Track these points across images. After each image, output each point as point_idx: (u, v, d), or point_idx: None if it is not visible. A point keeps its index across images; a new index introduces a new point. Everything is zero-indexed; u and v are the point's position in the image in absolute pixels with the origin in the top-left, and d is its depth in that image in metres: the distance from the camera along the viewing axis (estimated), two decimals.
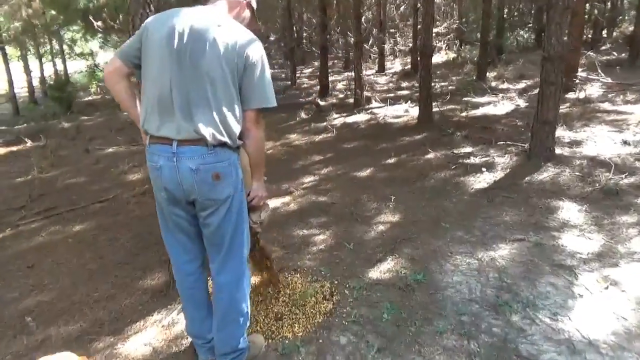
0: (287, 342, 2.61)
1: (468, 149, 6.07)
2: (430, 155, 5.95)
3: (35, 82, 18.08)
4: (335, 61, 20.00)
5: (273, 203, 4.75)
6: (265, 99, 2.03)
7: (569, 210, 4.12)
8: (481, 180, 4.98)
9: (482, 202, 4.45)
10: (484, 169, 5.20)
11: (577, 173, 4.90)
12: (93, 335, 2.81)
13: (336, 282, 3.20)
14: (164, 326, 2.85)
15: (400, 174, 5.43)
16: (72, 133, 9.65)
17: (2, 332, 2.92)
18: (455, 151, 6.02)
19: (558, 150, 5.45)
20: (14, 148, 8.57)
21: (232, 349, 2.27)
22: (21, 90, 18.11)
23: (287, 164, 6.17)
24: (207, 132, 1.91)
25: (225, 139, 1.95)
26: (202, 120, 1.92)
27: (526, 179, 4.89)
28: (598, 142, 5.87)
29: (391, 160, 5.95)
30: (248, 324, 2.33)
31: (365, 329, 2.70)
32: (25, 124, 11.57)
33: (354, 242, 3.78)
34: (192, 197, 2.00)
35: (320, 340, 2.62)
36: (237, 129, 2.00)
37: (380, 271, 3.32)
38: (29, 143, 8.61)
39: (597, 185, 4.54)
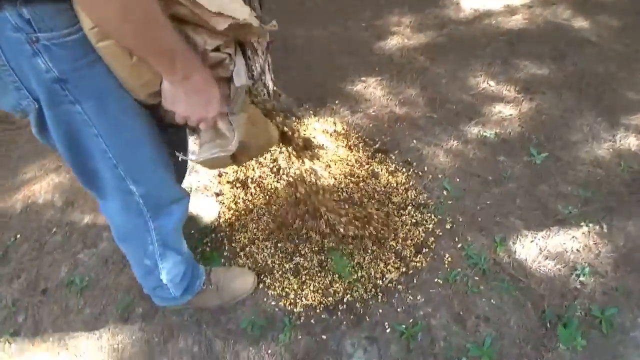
0: (291, 316, 1.57)
1: None
2: None
3: None
4: None
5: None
6: None
7: None
8: None
9: None
10: None
11: None
12: None
13: (451, 224, 1.76)
14: None
15: None
16: None
17: None
18: None
19: None
20: None
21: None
22: None
23: None
24: None
25: None
26: None
27: None
28: None
29: None
30: (160, 282, 1.34)
31: None
32: None
33: (553, 152, 2.00)
34: None
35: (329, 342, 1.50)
36: None
37: (542, 247, 1.70)
38: None
39: None
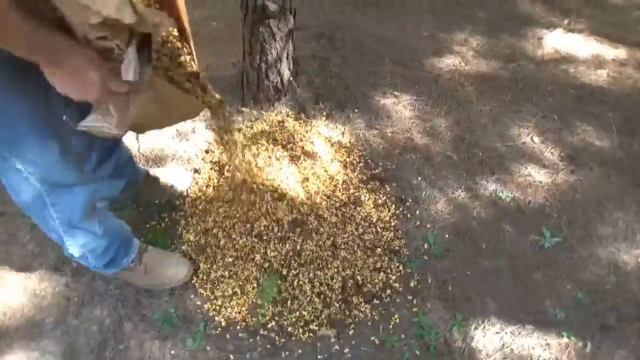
0: (209, 323, 1.49)
1: None
2: None
3: None
4: None
5: None
6: None
7: None
8: None
9: None
10: None
11: None
12: None
13: (417, 282, 1.58)
14: None
15: None
16: None
17: None
18: None
19: None
20: None
21: None
22: None
23: None
24: None
25: None
26: None
27: None
28: None
29: None
30: (71, 250, 1.29)
31: None
32: None
33: (569, 239, 1.73)
34: None
35: None
36: None
37: (505, 343, 1.49)
38: None
39: None
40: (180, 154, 1.88)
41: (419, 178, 1.86)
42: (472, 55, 2.44)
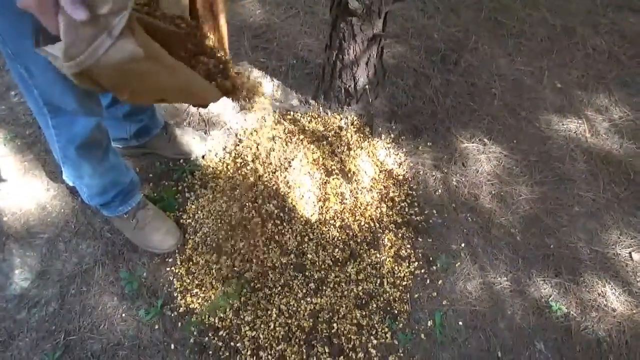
0: (169, 304, 1.44)
1: None
2: None
3: None
4: None
5: None
6: None
7: None
8: None
9: None
10: None
11: None
12: None
13: (397, 359, 1.36)
14: None
15: None
16: None
17: None
18: None
19: None
20: None
21: None
22: None
23: None
24: None
25: None
26: None
27: None
28: None
29: None
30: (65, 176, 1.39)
31: None
32: None
33: None
34: None
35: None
36: None
37: None
38: None
39: None
40: (241, 125, 1.81)
41: (463, 245, 1.58)
42: (605, 127, 1.99)
